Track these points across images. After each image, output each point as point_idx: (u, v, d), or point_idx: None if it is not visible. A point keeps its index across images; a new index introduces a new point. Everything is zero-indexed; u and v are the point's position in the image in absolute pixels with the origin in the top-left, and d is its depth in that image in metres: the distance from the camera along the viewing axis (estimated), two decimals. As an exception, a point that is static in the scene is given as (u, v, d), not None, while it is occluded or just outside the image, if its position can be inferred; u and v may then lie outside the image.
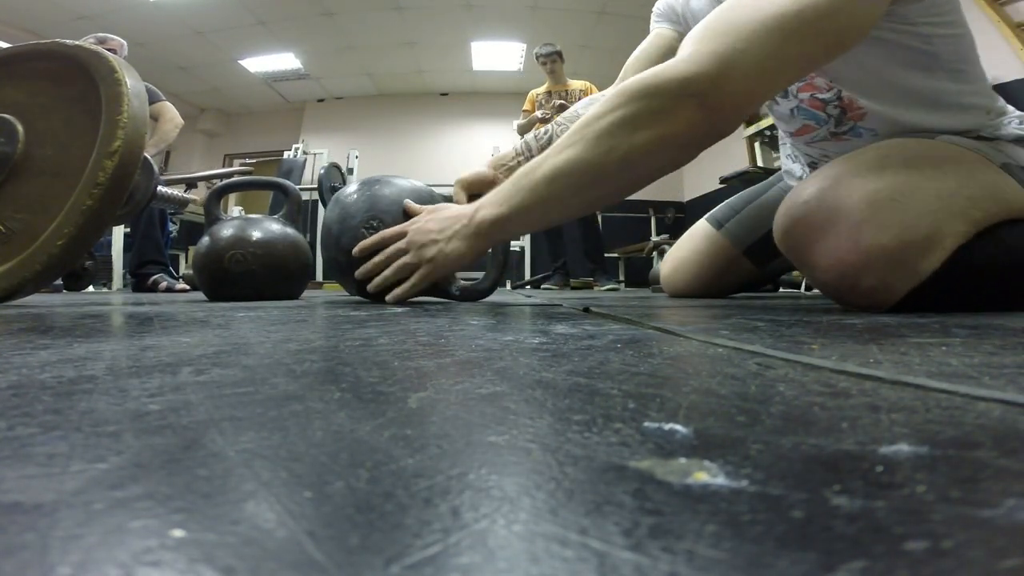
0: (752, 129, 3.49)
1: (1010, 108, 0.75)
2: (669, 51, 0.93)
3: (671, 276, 1.23)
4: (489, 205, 0.67)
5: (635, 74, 0.98)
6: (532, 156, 0.92)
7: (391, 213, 0.93)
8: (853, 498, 0.11)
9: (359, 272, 0.79)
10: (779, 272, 1.29)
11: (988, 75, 0.75)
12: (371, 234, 0.94)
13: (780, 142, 1.04)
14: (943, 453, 0.14)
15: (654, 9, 0.97)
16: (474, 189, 0.90)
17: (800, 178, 0.95)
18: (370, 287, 0.77)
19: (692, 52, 0.57)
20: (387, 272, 0.77)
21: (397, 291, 0.75)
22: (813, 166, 0.90)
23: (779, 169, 1.18)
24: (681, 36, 0.92)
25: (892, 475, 0.12)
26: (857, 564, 0.08)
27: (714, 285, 1.18)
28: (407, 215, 0.85)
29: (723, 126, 0.58)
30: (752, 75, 0.56)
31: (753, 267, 1.15)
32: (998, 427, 0.16)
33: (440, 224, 0.73)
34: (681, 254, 1.21)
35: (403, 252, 0.76)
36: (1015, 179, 0.64)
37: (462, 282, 1.02)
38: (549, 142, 0.92)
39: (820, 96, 0.77)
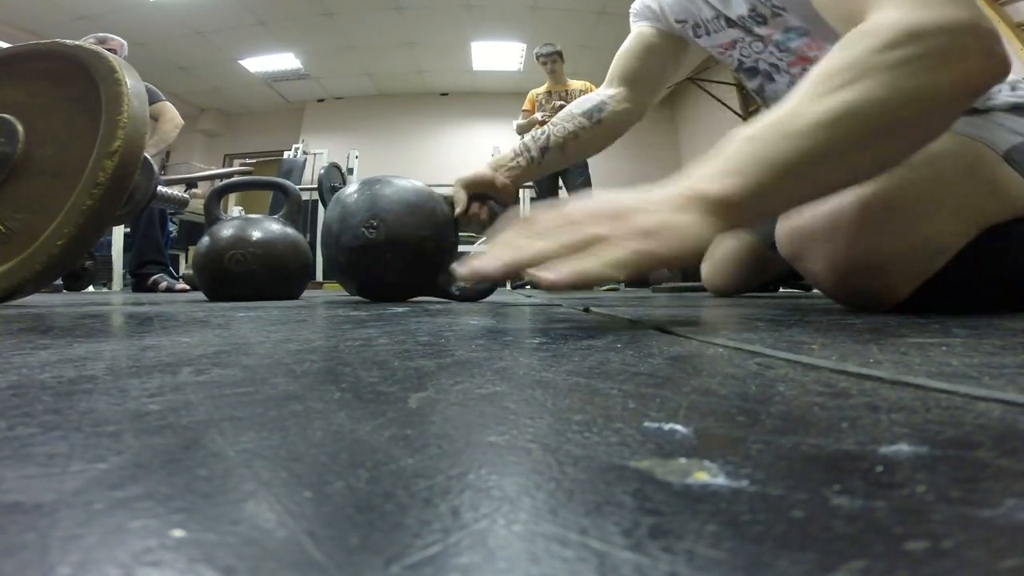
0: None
1: None
2: (652, 49, 0.92)
3: (710, 276, 1.25)
4: (710, 178, 0.44)
5: (622, 73, 0.98)
6: (531, 156, 0.92)
7: (392, 212, 0.93)
8: (853, 498, 0.11)
9: (471, 268, 0.43)
10: None
11: None
12: (371, 234, 0.94)
13: None
14: (943, 453, 0.14)
15: (631, 10, 0.96)
16: (474, 188, 0.90)
17: None
18: (519, 265, 0.42)
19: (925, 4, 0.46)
20: (547, 245, 0.42)
21: (579, 266, 0.39)
22: None
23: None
24: (661, 32, 0.91)
25: (892, 475, 0.12)
26: (857, 564, 0.08)
27: (752, 281, 1.19)
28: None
29: (997, 78, 0.49)
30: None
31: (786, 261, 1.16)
32: (998, 427, 0.16)
33: (635, 202, 0.44)
34: (716, 254, 1.23)
35: (563, 230, 0.44)
36: (1018, 170, 0.62)
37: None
38: (547, 142, 0.92)
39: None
